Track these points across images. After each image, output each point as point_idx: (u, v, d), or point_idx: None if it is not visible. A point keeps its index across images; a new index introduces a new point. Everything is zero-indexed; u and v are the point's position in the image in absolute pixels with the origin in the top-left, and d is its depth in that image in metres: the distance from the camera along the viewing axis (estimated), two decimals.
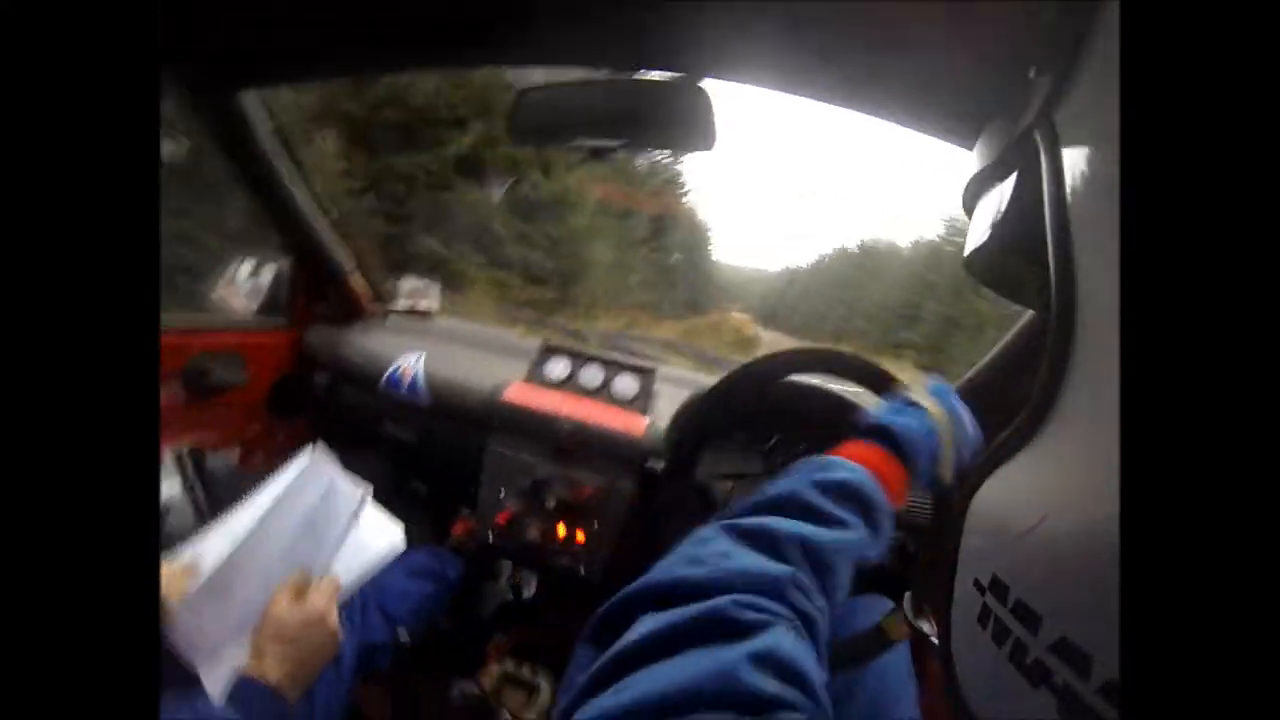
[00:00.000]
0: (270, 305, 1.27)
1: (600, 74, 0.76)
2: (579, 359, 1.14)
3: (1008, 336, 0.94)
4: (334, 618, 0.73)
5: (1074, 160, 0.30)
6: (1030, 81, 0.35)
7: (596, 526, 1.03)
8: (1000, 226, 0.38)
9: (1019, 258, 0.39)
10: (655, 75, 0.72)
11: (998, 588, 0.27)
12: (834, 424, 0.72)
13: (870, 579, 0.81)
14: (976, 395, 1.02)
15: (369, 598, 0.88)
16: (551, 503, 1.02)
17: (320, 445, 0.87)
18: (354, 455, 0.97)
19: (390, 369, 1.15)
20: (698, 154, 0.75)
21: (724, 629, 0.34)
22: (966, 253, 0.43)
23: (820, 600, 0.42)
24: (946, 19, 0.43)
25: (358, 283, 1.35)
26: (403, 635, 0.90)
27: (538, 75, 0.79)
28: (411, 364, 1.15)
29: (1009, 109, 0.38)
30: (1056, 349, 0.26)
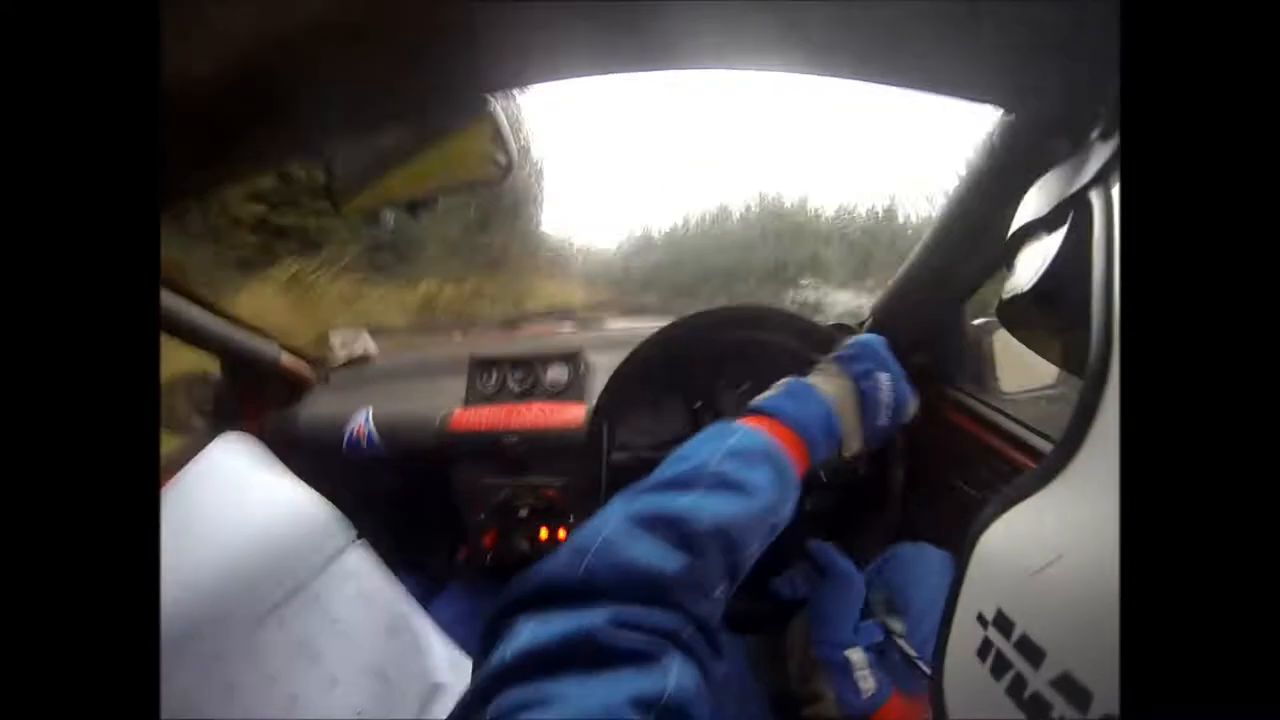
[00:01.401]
0: (220, 414, 1.22)
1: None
2: (504, 365, 1.16)
3: (906, 265, 0.94)
4: None
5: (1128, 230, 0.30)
6: (1091, 144, 0.34)
7: (574, 520, 1.06)
8: (1041, 281, 0.38)
9: (1053, 314, 0.39)
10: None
11: (1002, 622, 0.27)
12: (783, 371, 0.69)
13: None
14: (882, 322, 1.04)
15: None
16: (524, 513, 1.06)
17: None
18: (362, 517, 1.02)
19: (345, 434, 1.16)
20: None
21: (599, 656, 0.31)
22: (1002, 299, 0.43)
23: (720, 588, 0.39)
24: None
25: (291, 361, 1.39)
26: None
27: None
28: (361, 422, 1.15)
29: (1066, 164, 0.37)
30: (1086, 402, 0.26)
